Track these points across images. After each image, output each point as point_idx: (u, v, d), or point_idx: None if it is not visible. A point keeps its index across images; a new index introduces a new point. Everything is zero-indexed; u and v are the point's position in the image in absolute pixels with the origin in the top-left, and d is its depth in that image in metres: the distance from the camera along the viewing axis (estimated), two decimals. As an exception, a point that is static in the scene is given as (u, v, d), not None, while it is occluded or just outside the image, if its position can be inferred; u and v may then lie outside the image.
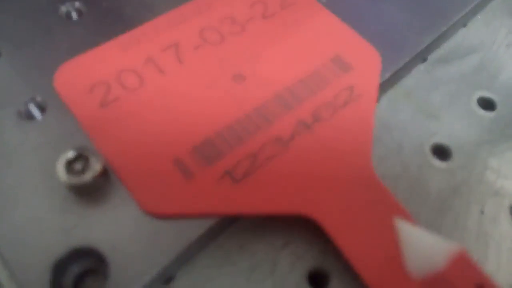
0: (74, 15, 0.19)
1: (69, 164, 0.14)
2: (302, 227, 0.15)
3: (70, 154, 0.14)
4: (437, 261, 0.11)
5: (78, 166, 0.14)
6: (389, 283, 0.13)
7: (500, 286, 0.13)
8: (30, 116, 0.16)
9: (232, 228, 0.15)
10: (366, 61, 0.18)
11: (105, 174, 0.14)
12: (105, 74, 0.16)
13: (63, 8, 0.19)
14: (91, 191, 0.14)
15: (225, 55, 0.17)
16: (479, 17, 0.23)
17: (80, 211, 0.14)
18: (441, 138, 0.18)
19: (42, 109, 0.16)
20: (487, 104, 0.19)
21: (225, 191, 0.14)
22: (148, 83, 0.16)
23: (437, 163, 0.17)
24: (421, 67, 0.20)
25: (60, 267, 0.13)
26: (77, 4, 0.19)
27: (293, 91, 0.16)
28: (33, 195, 0.14)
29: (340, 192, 0.15)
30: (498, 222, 0.16)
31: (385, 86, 0.19)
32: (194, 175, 0.14)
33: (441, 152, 0.18)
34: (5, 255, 0.13)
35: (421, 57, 0.20)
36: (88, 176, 0.14)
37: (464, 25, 0.22)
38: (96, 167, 0.14)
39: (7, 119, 0.16)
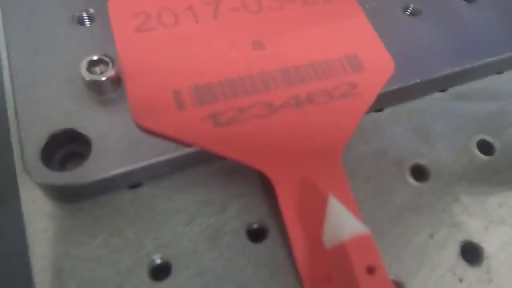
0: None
1: (92, 64, 0.17)
2: (261, 187, 0.17)
3: (95, 57, 0.17)
4: (343, 235, 0.12)
5: (98, 68, 0.17)
6: (309, 249, 0.14)
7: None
8: (80, 22, 0.19)
9: (202, 166, 0.17)
10: (378, 68, 0.19)
11: (117, 81, 0.17)
12: (150, 8, 0.19)
13: None
14: (103, 92, 0.17)
15: (255, 22, 0.19)
16: (518, 70, 0.23)
17: (87, 104, 0.17)
18: (425, 161, 0.19)
19: (92, 19, 0.19)
20: (485, 148, 0.20)
21: (206, 129, 0.16)
22: (181, 25, 0.19)
23: (411, 180, 0.18)
24: (436, 95, 0.21)
25: (54, 140, 0.16)
26: None
27: (300, 71, 0.18)
28: (58, 80, 0.17)
29: (302, 165, 0.16)
30: (442, 250, 0.17)
31: (392, 98, 0.20)
32: (185, 107, 0.16)
33: (419, 172, 0.19)
34: (19, 114, 0.16)
35: (438, 85, 0.20)
36: (101, 77, 0.16)
37: (500, 72, 0.22)
38: (111, 72, 0.17)
39: (63, 18, 0.19)
